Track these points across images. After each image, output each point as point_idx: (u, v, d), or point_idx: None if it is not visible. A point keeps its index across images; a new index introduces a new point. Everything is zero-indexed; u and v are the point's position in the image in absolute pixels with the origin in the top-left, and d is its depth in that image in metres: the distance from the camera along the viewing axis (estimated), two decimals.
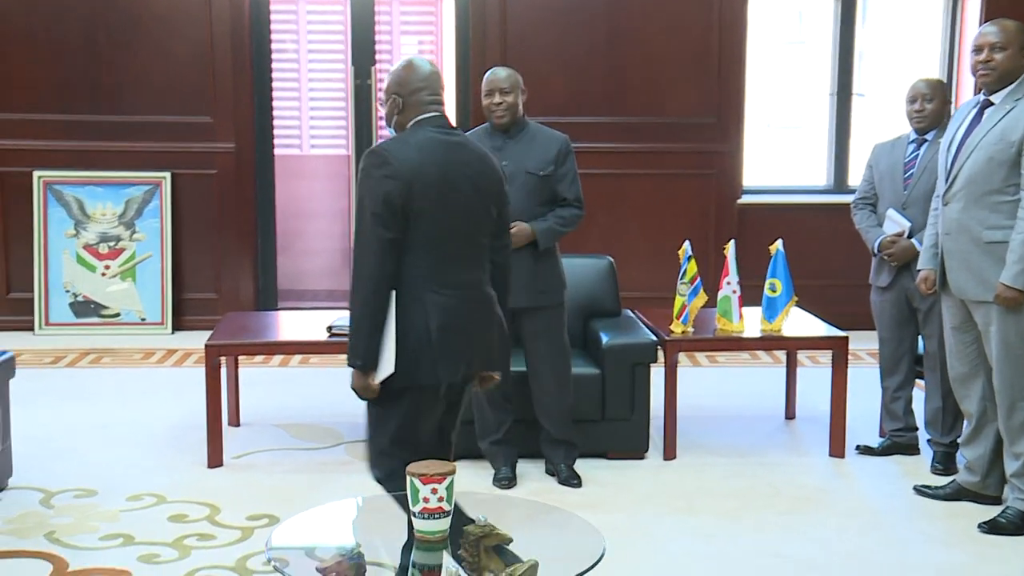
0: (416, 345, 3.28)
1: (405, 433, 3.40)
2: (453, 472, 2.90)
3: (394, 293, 3.26)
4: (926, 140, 4.94)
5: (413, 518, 2.89)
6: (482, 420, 4.82)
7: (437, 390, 3.36)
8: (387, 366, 3.28)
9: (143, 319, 7.44)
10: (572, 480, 4.73)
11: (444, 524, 2.88)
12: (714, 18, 7.45)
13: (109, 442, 5.24)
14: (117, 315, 7.44)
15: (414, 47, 10.73)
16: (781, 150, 11.72)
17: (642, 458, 5.05)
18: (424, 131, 3.34)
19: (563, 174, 4.71)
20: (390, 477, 3.39)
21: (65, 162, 7.39)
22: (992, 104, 4.27)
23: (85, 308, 7.41)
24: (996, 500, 4.43)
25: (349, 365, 3.33)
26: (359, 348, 3.28)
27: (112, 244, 7.45)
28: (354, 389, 3.38)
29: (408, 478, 2.87)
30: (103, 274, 7.44)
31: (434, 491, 2.86)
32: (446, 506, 2.88)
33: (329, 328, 4.99)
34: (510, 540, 2.82)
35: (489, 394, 4.68)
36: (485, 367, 3.50)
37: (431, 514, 2.87)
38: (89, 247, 7.43)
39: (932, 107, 4.92)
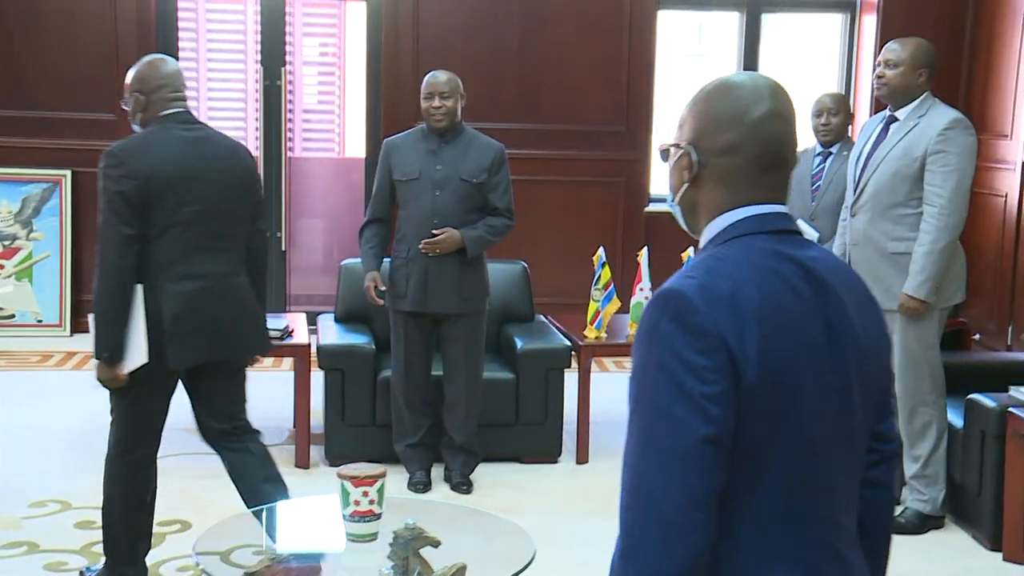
0: (153, 334, 3.40)
1: (145, 418, 3.58)
2: (384, 475, 2.90)
3: (140, 286, 3.38)
4: (831, 153, 5.09)
5: (344, 521, 2.88)
6: (399, 423, 4.80)
7: (170, 375, 3.51)
8: (138, 355, 3.39)
9: (40, 320, 7.23)
10: (463, 486, 4.72)
11: (375, 526, 2.88)
12: (624, 24, 7.54)
13: (7, 447, 5.08)
14: (12, 316, 7.22)
15: (315, 49, 10.65)
16: None
17: (555, 462, 5.09)
18: (166, 128, 3.45)
19: (496, 183, 4.70)
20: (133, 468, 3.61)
21: None
22: (897, 120, 4.42)
23: None
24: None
25: (96, 357, 3.45)
26: (104, 339, 3.39)
27: (7, 243, 7.23)
28: (100, 380, 3.49)
29: (340, 481, 2.86)
30: None
31: (365, 494, 2.86)
32: (376, 508, 2.88)
33: None
34: (439, 543, 2.83)
35: (408, 397, 4.68)
36: (235, 352, 3.62)
37: (362, 516, 2.86)
38: None
39: (837, 120, 5.08)
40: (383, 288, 4.63)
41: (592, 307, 5.17)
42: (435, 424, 4.80)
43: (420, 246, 4.57)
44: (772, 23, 8.06)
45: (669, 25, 8.00)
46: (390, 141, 4.82)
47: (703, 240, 1.65)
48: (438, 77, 4.68)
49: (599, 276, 5.16)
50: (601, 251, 5.21)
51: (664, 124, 7.98)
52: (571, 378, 5.11)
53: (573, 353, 5.09)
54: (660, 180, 8.05)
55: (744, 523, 1.52)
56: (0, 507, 4.39)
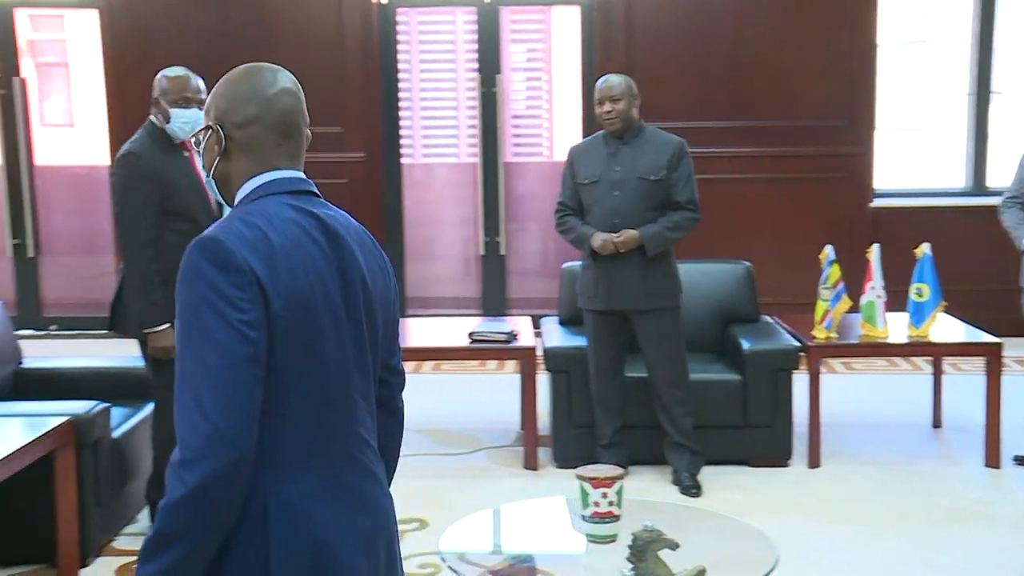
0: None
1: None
2: (623, 477, 2.90)
3: None
4: None
5: (583, 522, 2.89)
6: (595, 423, 4.84)
7: None
8: None
9: None
10: (692, 489, 4.67)
11: (615, 528, 2.88)
12: (844, 15, 7.32)
13: None
14: None
15: (523, 55, 10.78)
16: (904, 152, 11.46)
17: (785, 465, 4.97)
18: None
19: (677, 178, 4.67)
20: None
21: None
22: None
23: None
24: None
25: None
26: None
27: None
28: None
29: (578, 482, 2.87)
30: None
31: (604, 495, 2.86)
32: (616, 510, 2.88)
33: (471, 335, 5.02)
34: (677, 545, 2.80)
35: (599, 396, 4.72)
36: None
37: (602, 518, 2.86)
38: None
39: None
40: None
41: (820, 307, 5.02)
42: (625, 425, 4.83)
43: (596, 245, 4.60)
44: (1004, 4, 7.65)
45: (890, 12, 7.72)
46: (574, 148, 4.90)
47: (235, 202, 1.91)
48: (609, 82, 4.70)
49: (827, 275, 5.01)
50: (829, 249, 5.05)
51: (887, 115, 7.69)
52: (799, 380, 4.98)
53: (801, 354, 4.96)
54: (886, 174, 7.77)
55: (277, 434, 1.75)
56: None
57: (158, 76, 4.16)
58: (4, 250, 7.82)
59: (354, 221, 1.97)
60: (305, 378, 1.78)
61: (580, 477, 2.87)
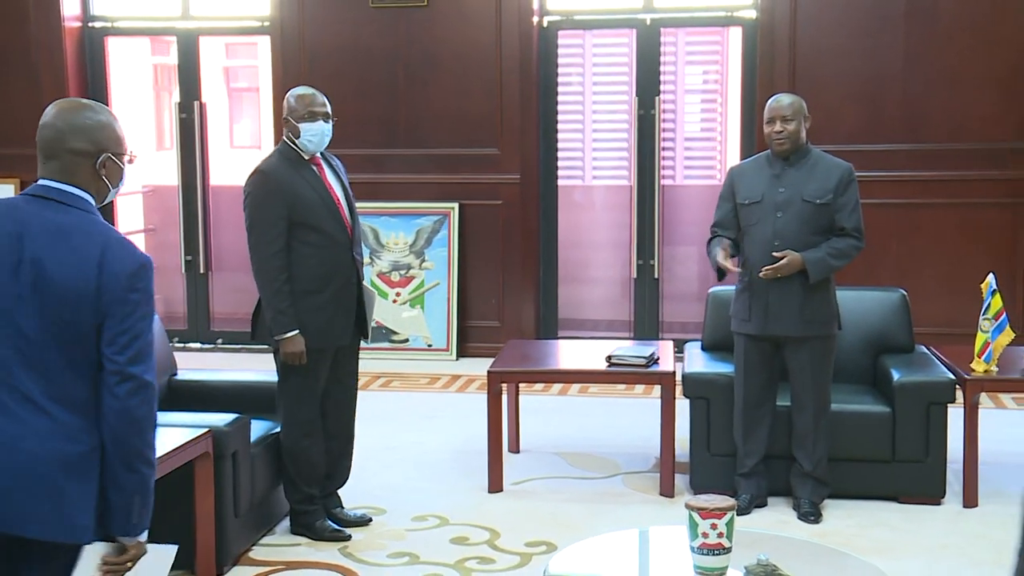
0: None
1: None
2: (734, 508, 2.81)
3: None
4: None
5: (692, 553, 2.81)
6: (739, 450, 4.73)
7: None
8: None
9: (430, 345, 7.70)
10: (811, 516, 4.54)
11: (724, 560, 2.79)
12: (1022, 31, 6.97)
13: (396, 463, 5.43)
14: (406, 340, 7.74)
15: (699, 77, 10.66)
16: None
17: (938, 504, 4.73)
18: None
19: (843, 203, 4.54)
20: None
21: (362, 193, 7.77)
22: None
23: (377, 333, 7.74)
24: None
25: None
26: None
27: (403, 272, 7.77)
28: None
29: (688, 512, 2.80)
30: (394, 301, 7.76)
31: (714, 526, 2.79)
32: (726, 542, 2.79)
33: (608, 358, 4.98)
34: None
35: (746, 424, 4.64)
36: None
37: (711, 550, 2.79)
38: (382, 275, 7.78)
39: None
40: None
41: (980, 338, 4.77)
42: (769, 455, 4.70)
43: (760, 274, 4.48)
44: None
45: None
46: (735, 168, 4.82)
47: None
48: (780, 101, 4.60)
49: (988, 304, 4.76)
50: (991, 278, 4.80)
51: None
52: (954, 414, 4.73)
53: (957, 387, 4.72)
54: None
55: None
56: (388, 519, 4.68)
57: (286, 96, 4.35)
58: (178, 267, 8.20)
59: (66, 220, 2.40)
60: None
61: (689, 507, 2.80)
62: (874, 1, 7.13)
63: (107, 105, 8.10)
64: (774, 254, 4.49)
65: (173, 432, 3.82)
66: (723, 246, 4.60)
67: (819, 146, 4.76)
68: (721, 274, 4.66)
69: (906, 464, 4.73)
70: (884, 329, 5.13)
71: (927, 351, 5.15)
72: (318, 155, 4.38)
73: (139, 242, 8.94)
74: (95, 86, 8.11)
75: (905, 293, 5.24)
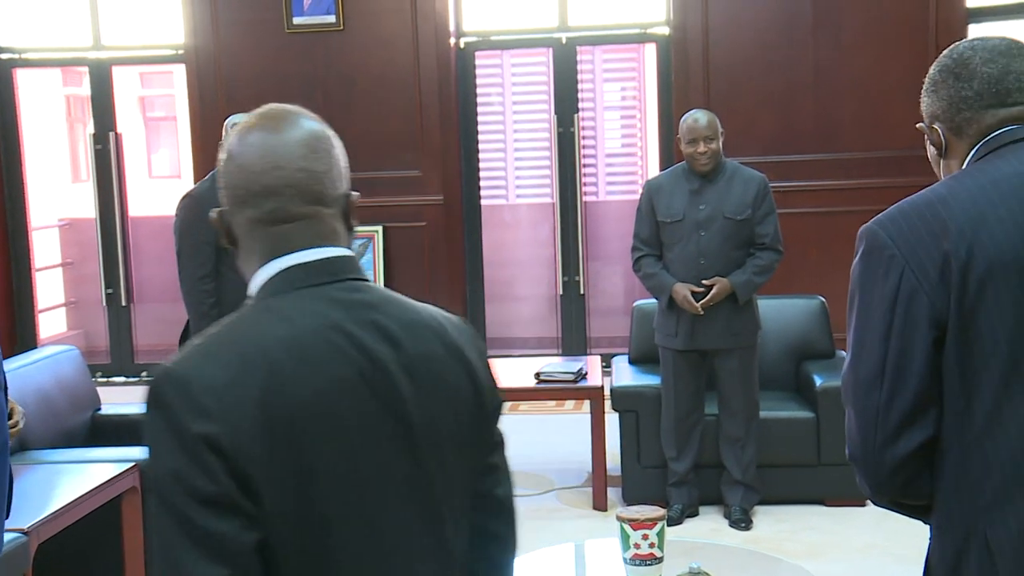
0: None
1: None
2: (664, 518, 2.85)
3: None
4: None
5: (625, 564, 2.84)
6: (669, 461, 4.79)
7: None
8: None
9: None
10: (742, 523, 4.61)
11: (656, 571, 2.82)
12: (930, 43, 7.15)
13: None
14: None
15: (617, 93, 10.79)
16: None
17: (863, 505, 4.83)
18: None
19: (762, 215, 4.62)
20: None
21: None
22: None
23: None
24: None
25: None
26: None
27: None
28: None
29: (619, 524, 2.83)
30: None
31: (645, 537, 2.82)
32: (657, 552, 2.83)
33: (537, 374, 5.01)
34: None
35: (677, 436, 4.67)
36: None
37: (643, 560, 2.82)
38: None
39: None
40: (698, 290, 4.56)
41: None
42: (699, 464, 4.76)
43: (697, 309, 4.52)
44: None
45: (980, 31, 7.52)
46: (652, 182, 4.84)
47: None
48: (699, 121, 4.59)
49: None
50: None
51: None
52: None
53: None
54: None
55: None
56: None
57: (226, 123, 4.34)
58: (99, 300, 8.07)
59: None
60: None
61: (620, 518, 2.83)
62: (783, 16, 7.28)
63: (19, 137, 7.98)
64: (704, 281, 4.53)
65: (98, 468, 3.77)
66: (681, 288, 4.55)
67: (734, 158, 4.84)
68: (670, 300, 4.62)
69: (831, 467, 4.81)
70: (805, 336, 5.23)
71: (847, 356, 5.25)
72: None
73: (57, 276, 8.82)
74: (4, 119, 7.96)
75: (824, 300, 5.35)
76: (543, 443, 5.99)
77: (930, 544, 1.75)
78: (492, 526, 1.53)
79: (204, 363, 1.33)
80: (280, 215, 1.43)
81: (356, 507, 1.33)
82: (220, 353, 1.34)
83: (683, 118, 4.69)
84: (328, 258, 1.44)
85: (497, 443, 1.56)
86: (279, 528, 1.29)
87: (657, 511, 2.86)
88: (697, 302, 4.52)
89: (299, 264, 1.42)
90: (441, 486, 1.43)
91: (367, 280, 1.47)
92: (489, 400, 1.52)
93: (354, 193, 1.55)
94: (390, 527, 1.37)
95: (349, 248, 1.49)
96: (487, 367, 1.53)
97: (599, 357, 5.57)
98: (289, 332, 1.35)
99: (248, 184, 1.44)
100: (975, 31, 7.26)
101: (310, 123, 1.53)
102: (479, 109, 7.89)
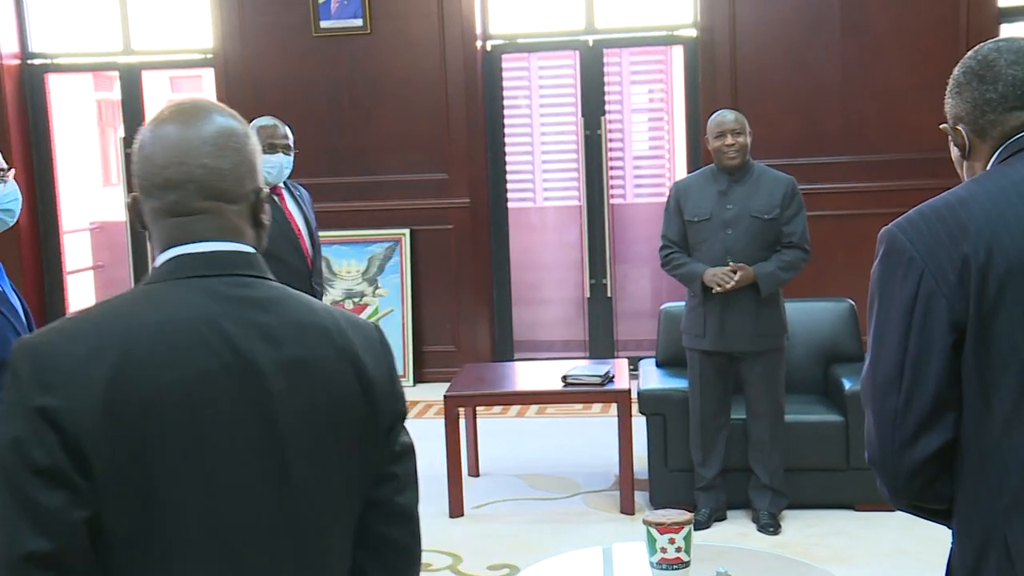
0: None
1: None
2: (691, 522, 2.84)
3: None
4: None
5: (652, 569, 2.84)
6: (696, 464, 4.78)
7: None
8: None
9: None
10: (770, 527, 4.59)
11: (683, 574, 2.82)
12: (960, 45, 7.09)
13: None
14: None
15: (644, 96, 10.77)
16: None
17: (893, 510, 4.77)
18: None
19: (789, 216, 4.63)
20: None
21: None
22: None
23: None
24: None
25: None
26: None
27: (357, 300, 7.76)
28: None
29: (645, 528, 2.83)
30: None
31: (671, 541, 2.81)
32: (684, 556, 2.82)
33: (564, 378, 5.01)
34: None
35: (704, 439, 4.65)
36: None
37: (669, 564, 2.81)
38: (336, 303, 7.76)
39: None
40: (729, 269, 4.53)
41: None
42: (726, 469, 4.74)
43: (715, 290, 4.53)
44: None
45: (1011, 31, 7.46)
46: (680, 183, 4.85)
47: None
48: (726, 116, 4.65)
49: None
50: None
51: None
52: None
53: None
54: None
55: None
56: None
57: (251, 126, 4.34)
58: None
59: None
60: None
61: (646, 522, 2.82)
62: (810, 17, 7.25)
63: (50, 142, 8.05)
64: (730, 264, 4.54)
65: None
66: (712, 271, 4.55)
67: (760, 160, 4.84)
68: (707, 289, 4.59)
69: (860, 471, 4.77)
70: (834, 339, 5.20)
71: None
72: (280, 184, 4.39)
73: (88, 279, 8.90)
74: (37, 123, 8.05)
75: (853, 303, 5.32)
76: (570, 446, 5.98)
77: (951, 548, 1.74)
78: (389, 533, 1.56)
79: (60, 338, 1.36)
80: (180, 208, 1.45)
81: (198, 498, 1.35)
82: (80, 330, 1.37)
83: (711, 117, 4.72)
84: (220, 251, 1.46)
85: (399, 453, 1.57)
86: (113, 508, 1.31)
87: (684, 515, 2.85)
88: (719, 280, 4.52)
89: (189, 254, 1.44)
90: (310, 488, 1.44)
91: (265, 278, 1.49)
92: (384, 408, 1.52)
93: (265, 190, 1.55)
94: (237, 523, 1.37)
95: (254, 245, 1.51)
96: (389, 375, 1.54)
97: (626, 360, 5.56)
98: (157, 319, 1.37)
99: (152, 176, 1.46)
100: (1007, 31, 7.20)
101: (223, 119, 1.51)
102: (506, 112, 7.91)
